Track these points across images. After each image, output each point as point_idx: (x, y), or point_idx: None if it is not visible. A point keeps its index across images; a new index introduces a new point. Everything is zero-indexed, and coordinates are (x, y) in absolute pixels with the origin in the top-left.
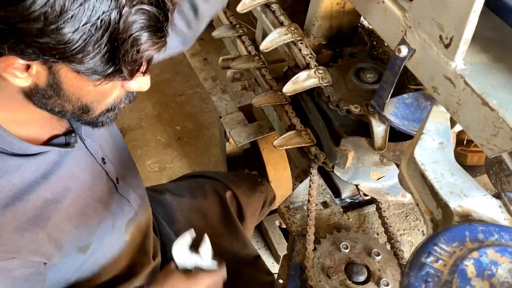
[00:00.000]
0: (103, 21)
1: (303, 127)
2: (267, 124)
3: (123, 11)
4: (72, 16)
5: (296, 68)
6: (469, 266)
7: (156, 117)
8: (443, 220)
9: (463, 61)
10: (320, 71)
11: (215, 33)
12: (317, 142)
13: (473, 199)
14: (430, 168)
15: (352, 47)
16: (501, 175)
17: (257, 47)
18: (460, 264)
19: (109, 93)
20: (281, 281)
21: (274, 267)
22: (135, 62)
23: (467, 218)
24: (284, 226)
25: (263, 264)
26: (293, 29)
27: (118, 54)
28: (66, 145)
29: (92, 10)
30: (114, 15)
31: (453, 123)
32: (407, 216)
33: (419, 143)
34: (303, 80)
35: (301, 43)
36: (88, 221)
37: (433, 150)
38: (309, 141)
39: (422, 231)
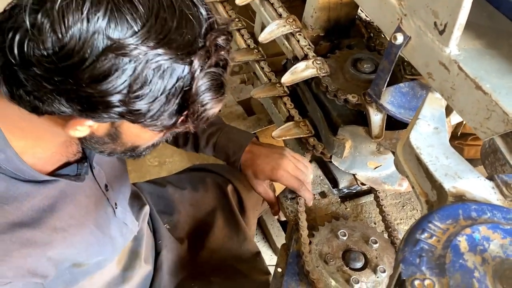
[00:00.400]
0: (177, 88)
1: (301, 118)
2: (266, 118)
3: (195, 75)
4: (151, 89)
5: (294, 60)
6: (462, 242)
7: None
8: (438, 201)
9: (457, 47)
10: (318, 62)
11: None
12: (316, 133)
13: (467, 180)
14: (425, 151)
15: (350, 39)
16: (496, 165)
17: (256, 41)
18: (454, 239)
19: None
20: (279, 269)
21: (272, 259)
22: (202, 118)
23: (461, 199)
24: (283, 219)
25: (261, 262)
26: (291, 20)
27: (186, 112)
28: (77, 175)
29: (169, 78)
30: (187, 79)
31: (448, 112)
32: (403, 206)
33: (414, 128)
34: (302, 70)
35: (300, 34)
36: (88, 247)
37: (428, 135)
38: (308, 132)
39: None
